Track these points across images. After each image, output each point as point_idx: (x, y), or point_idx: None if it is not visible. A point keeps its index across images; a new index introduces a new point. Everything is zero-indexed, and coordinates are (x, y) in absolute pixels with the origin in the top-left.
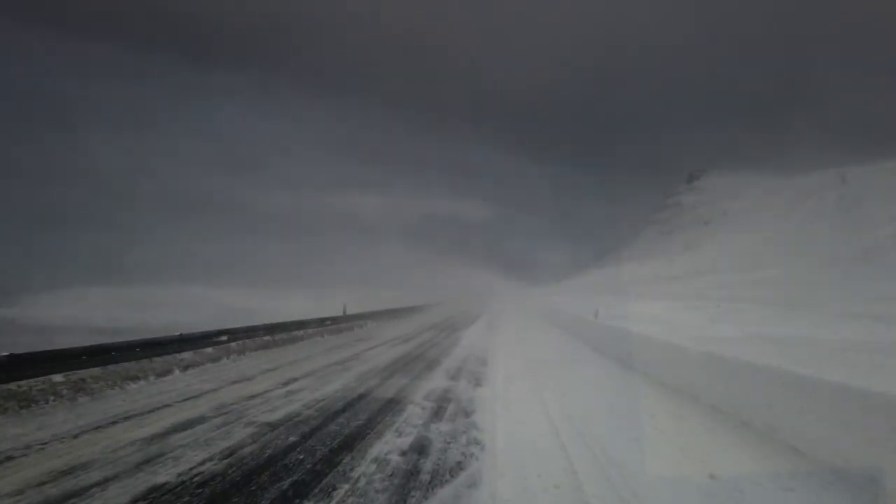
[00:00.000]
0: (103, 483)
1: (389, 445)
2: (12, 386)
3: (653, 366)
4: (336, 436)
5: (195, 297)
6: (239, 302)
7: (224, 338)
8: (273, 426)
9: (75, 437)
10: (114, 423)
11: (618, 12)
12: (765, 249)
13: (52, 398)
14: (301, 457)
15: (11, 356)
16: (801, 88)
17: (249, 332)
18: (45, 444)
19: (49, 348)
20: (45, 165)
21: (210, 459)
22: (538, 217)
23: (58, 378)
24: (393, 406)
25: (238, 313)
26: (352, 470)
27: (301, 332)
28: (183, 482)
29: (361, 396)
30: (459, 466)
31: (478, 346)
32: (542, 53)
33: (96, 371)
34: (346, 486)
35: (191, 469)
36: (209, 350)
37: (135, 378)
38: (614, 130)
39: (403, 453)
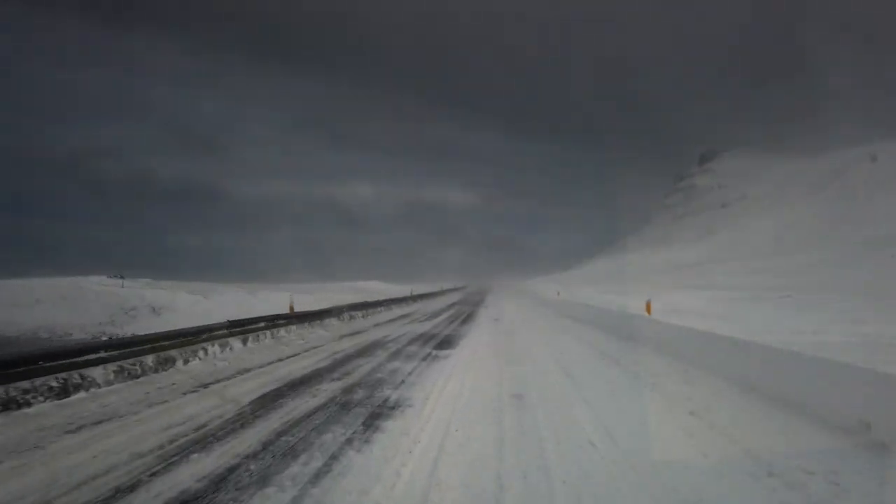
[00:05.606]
0: None
1: None
2: None
3: None
4: None
5: (93, 290)
6: (158, 297)
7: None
8: None
9: None
10: None
11: None
12: (788, 234)
13: None
14: None
15: None
16: (824, 57)
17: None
18: None
19: None
20: None
21: None
22: (536, 203)
23: None
24: None
25: (141, 312)
26: None
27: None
28: None
29: None
30: None
31: None
32: (538, 24)
33: None
34: None
35: None
36: None
37: None
38: (618, 109)
39: None
